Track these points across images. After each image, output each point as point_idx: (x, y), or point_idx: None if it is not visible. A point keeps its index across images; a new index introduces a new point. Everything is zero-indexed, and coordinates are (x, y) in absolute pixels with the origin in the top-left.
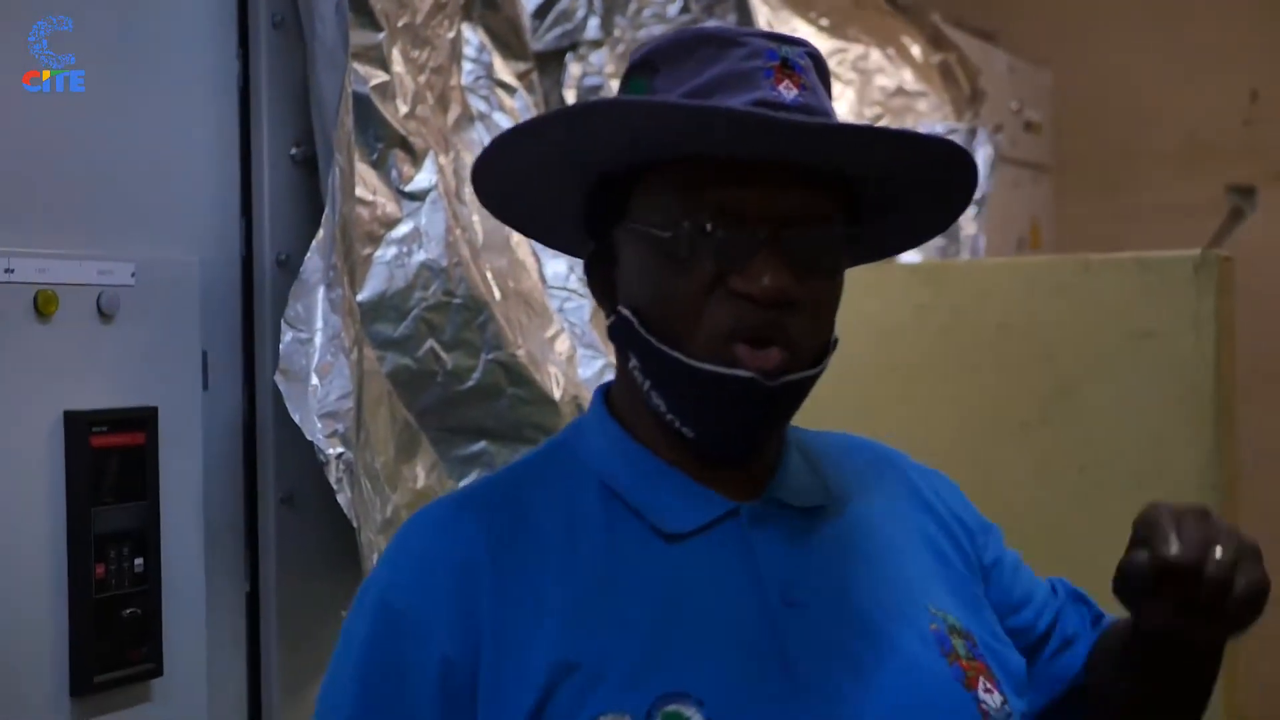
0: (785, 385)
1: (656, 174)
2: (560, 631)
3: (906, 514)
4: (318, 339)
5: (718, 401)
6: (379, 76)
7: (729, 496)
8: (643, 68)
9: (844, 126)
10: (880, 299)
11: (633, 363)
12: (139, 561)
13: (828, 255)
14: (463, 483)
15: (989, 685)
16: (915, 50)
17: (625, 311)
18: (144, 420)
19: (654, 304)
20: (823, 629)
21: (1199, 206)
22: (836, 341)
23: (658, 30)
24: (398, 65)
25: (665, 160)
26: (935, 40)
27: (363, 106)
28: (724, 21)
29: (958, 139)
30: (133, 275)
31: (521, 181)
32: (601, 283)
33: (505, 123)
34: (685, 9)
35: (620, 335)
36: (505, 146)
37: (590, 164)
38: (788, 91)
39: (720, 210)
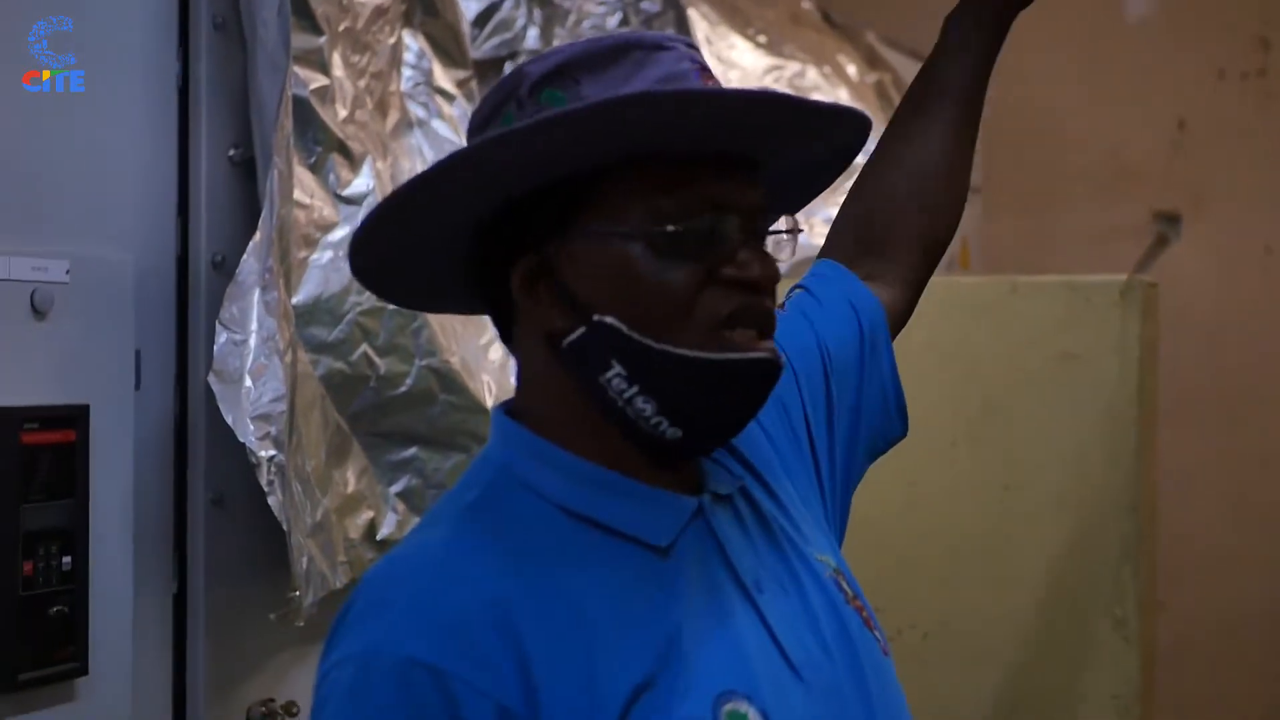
0: (782, 364)
1: (623, 175)
2: (616, 657)
3: (757, 439)
4: (252, 341)
5: (731, 387)
6: (319, 80)
7: (681, 493)
8: (558, 80)
9: (836, 108)
10: None
11: (611, 372)
12: (66, 560)
13: (782, 236)
14: (393, 488)
15: (872, 621)
16: (851, 70)
17: (607, 319)
18: (75, 418)
19: (642, 306)
20: (784, 609)
21: (1124, 231)
22: None
23: None
24: (338, 69)
25: (620, 163)
26: (870, 60)
27: (302, 110)
28: None
29: None
30: (67, 273)
31: (406, 235)
32: (549, 298)
33: (444, 130)
34: (624, 22)
35: (595, 346)
36: (402, 197)
37: (504, 188)
38: None
39: (716, 202)
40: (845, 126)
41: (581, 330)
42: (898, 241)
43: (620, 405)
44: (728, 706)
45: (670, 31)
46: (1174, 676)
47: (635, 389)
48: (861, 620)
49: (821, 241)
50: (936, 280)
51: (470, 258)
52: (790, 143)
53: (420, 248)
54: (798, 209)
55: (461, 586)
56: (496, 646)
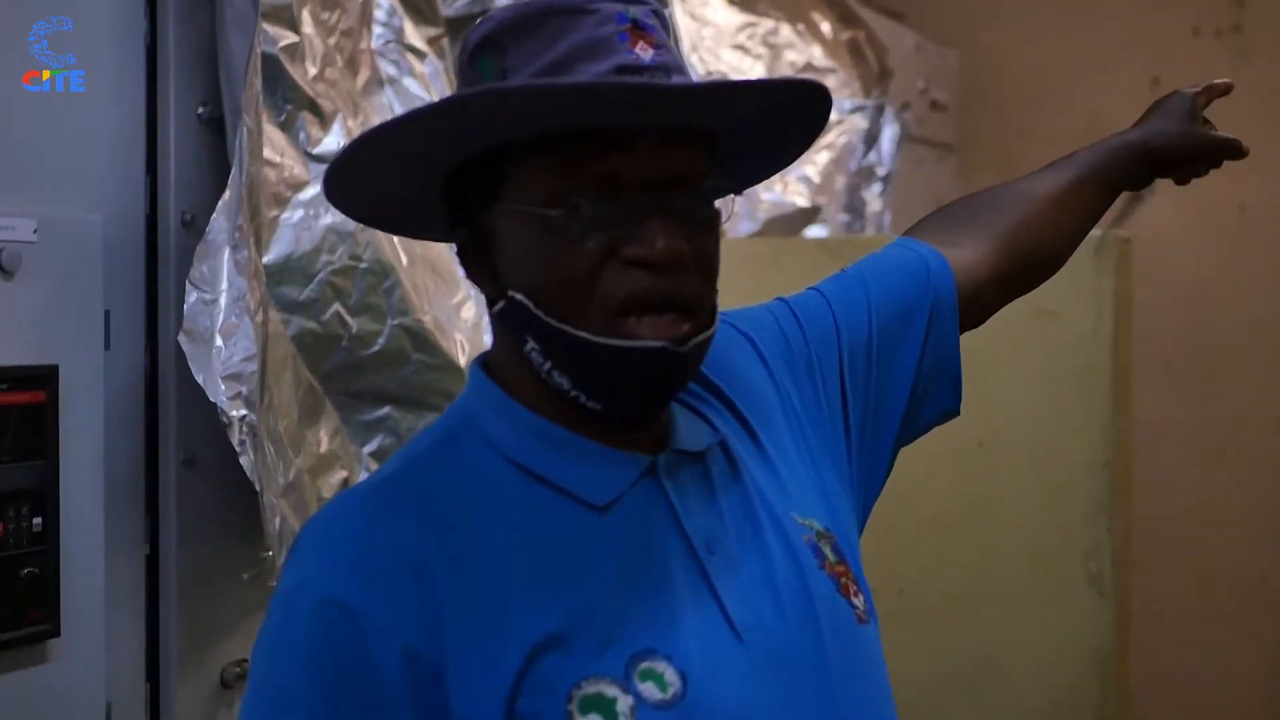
0: (694, 348)
1: (529, 153)
2: (528, 609)
3: (764, 395)
4: (222, 300)
5: (628, 373)
6: (288, 37)
7: (636, 452)
8: (489, 47)
9: (709, 85)
10: (784, 273)
11: (529, 345)
12: (37, 521)
13: (709, 210)
14: (366, 448)
15: (855, 588)
16: (825, 27)
17: (518, 296)
18: (44, 379)
19: (547, 284)
20: (739, 570)
21: None
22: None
23: None
24: (307, 27)
25: (533, 139)
26: (845, 17)
27: (271, 67)
28: None
29: (865, 116)
30: (35, 232)
31: (378, 181)
32: (479, 268)
33: (415, 88)
34: None
35: (513, 319)
36: (359, 150)
37: (446, 156)
38: (644, 53)
39: (606, 181)
40: (756, 96)
41: (502, 304)
42: (982, 225)
43: (544, 376)
44: (644, 665)
45: None
46: (1150, 632)
47: (549, 363)
48: (837, 586)
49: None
50: None
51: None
52: (719, 110)
53: (396, 196)
54: (768, 174)
55: (385, 530)
56: (410, 589)
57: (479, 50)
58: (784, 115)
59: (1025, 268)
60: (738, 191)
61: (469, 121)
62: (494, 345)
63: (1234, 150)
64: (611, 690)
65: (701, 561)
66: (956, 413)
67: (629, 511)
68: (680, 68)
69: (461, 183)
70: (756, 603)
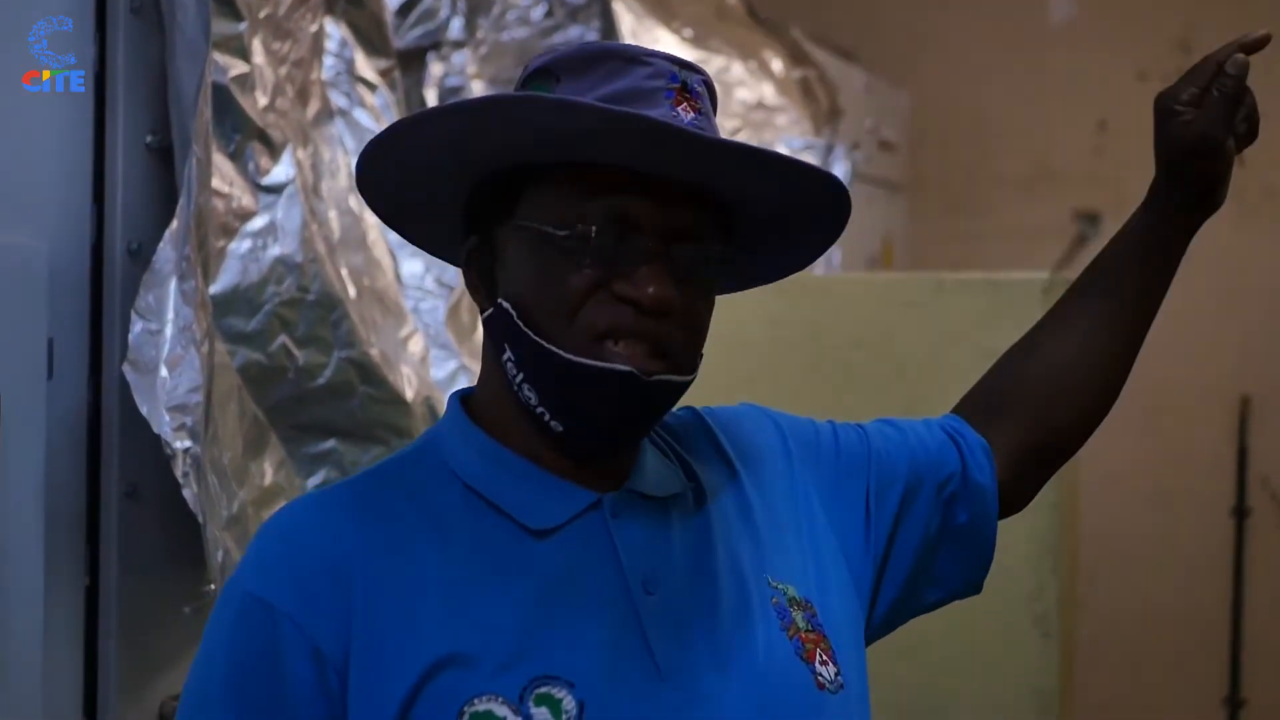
0: (659, 384)
1: (551, 175)
2: (435, 625)
3: (770, 468)
4: (168, 330)
5: (592, 396)
6: (239, 67)
7: (590, 488)
8: (543, 75)
9: (743, 146)
10: (733, 311)
11: (506, 355)
12: None
13: (709, 271)
14: (311, 481)
15: (825, 657)
16: (776, 65)
17: (505, 304)
18: None
19: (534, 299)
20: (679, 613)
21: (1047, 230)
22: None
23: (520, 33)
24: (258, 57)
25: (559, 162)
26: (796, 56)
27: (222, 97)
28: (587, 27)
29: (815, 154)
30: None
31: (405, 177)
32: (479, 277)
33: (365, 119)
34: (549, 13)
35: (496, 327)
36: (399, 134)
37: (479, 161)
38: (685, 114)
39: (616, 216)
40: (779, 170)
41: (490, 310)
42: (1011, 415)
43: (515, 387)
44: (541, 689)
45: (597, 24)
46: (1092, 673)
47: (521, 376)
48: (799, 650)
49: None
50: (863, 277)
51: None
52: (744, 180)
53: (423, 205)
54: (799, 265)
55: (316, 535)
56: (328, 593)
57: (534, 76)
58: (799, 215)
59: (1051, 452)
60: (738, 289)
61: (508, 121)
62: (479, 375)
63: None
64: (502, 710)
65: (634, 599)
66: (978, 589)
67: (566, 542)
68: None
69: (481, 197)
70: (691, 646)
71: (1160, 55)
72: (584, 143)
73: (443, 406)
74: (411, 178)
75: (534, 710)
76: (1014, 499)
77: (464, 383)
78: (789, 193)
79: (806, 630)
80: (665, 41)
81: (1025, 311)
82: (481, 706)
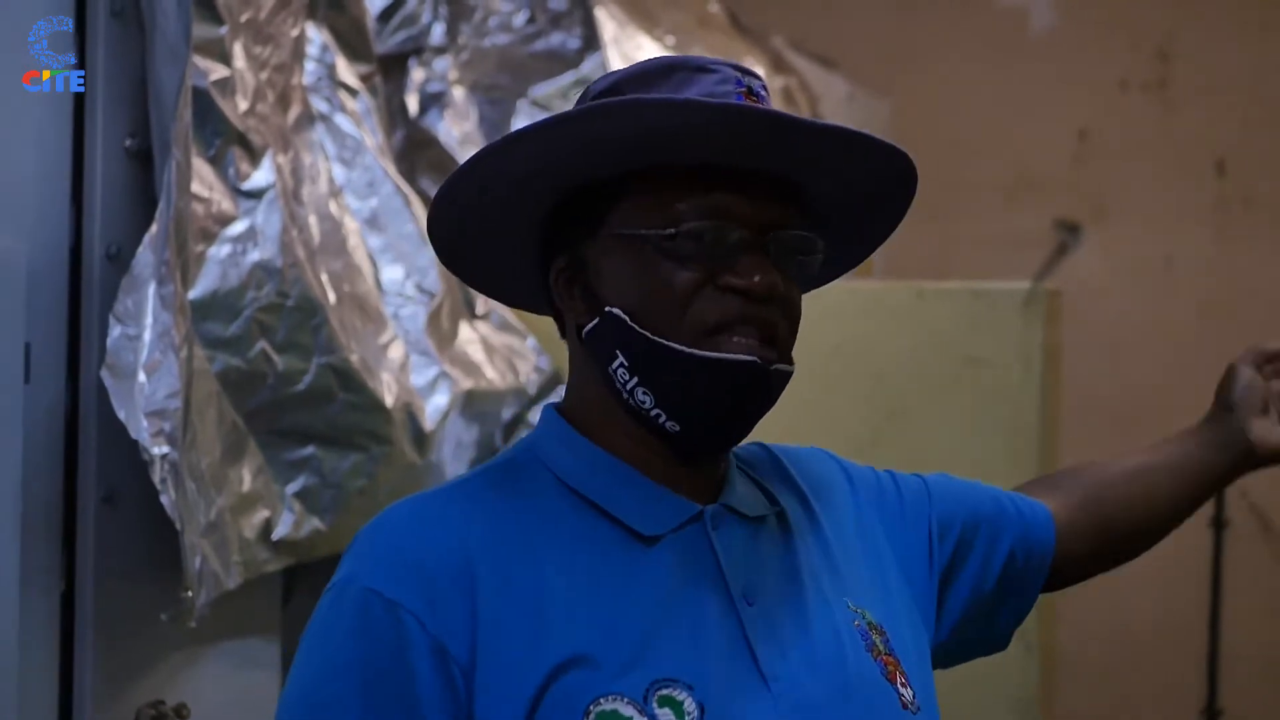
0: (778, 372)
1: (638, 184)
2: (559, 626)
3: (838, 497)
4: (146, 335)
5: (715, 388)
6: (220, 71)
7: (690, 499)
8: (611, 93)
9: (836, 126)
10: None
11: (618, 362)
12: None
13: (805, 260)
14: (289, 488)
15: (903, 680)
16: (758, 73)
17: (616, 311)
18: None
19: (643, 302)
20: (776, 625)
21: (1027, 239)
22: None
23: (502, 39)
24: (239, 61)
25: (639, 172)
26: (777, 65)
27: (202, 101)
28: (569, 34)
29: None
30: None
31: (482, 204)
32: (570, 295)
33: (346, 125)
34: (531, 19)
35: (605, 335)
36: (483, 160)
37: (565, 177)
38: None
39: (715, 213)
40: (863, 152)
41: (596, 320)
42: (1073, 491)
43: (625, 396)
44: (664, 691)
45: (579, 31)
46: (1072, 684)
47: (635, 380)
48: (883, 671)
49: None
50: (843, 285)
51: (536, 262)
52: (822, 166)
53: (495, 247)
54: (863, 256)
55: (436, 533)
56: (451, 592)
57: (599, 97)
58: (863, 207)
59: (1115, 539)
60: (821, 283)
61: (618, 125)
62: (567, 387)
63: None
64: (628, 710)
65: (738, 609)
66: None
67: (674, 549)
68: None
69: (560, 219)
70: (789, 657)
71: (1140, 65)
72: (678, 144)
73: (422, 413)
74: (492, 201)
75: (658, 711)
76: (1064, 567)
77: (444, 389)
78: (865, 179)
79: (885, 653)
80: (647, 49)
81: (1004, 320)
82: (607, 706)
